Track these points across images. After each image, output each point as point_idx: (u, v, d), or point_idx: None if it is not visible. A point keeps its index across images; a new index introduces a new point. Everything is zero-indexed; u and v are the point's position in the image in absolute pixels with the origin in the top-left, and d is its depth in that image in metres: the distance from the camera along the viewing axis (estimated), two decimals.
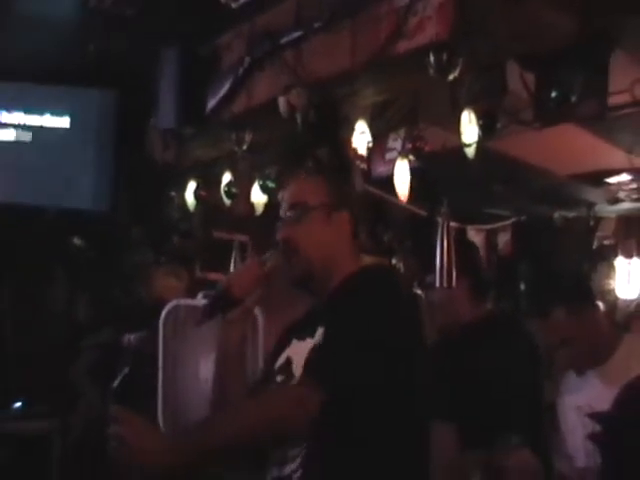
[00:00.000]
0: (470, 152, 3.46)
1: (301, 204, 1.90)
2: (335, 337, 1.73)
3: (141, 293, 4.83)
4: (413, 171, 4.03)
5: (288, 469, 1.74)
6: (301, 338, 1.88)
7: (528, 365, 2.78)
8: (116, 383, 1.49)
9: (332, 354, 1.70)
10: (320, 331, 1.80)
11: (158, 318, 3.83)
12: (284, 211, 1.93)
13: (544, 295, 2.69)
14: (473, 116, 3.35)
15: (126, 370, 1.58)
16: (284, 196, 1.95)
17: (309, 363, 1.74)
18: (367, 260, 2.02)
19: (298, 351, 1.85)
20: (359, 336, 1.71)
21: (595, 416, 2.18)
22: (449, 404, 2.70)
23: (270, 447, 1.76)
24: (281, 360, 1.91)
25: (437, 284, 3.13)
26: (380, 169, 4.23)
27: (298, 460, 1.73)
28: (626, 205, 5.61)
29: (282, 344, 1.96)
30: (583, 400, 2.55)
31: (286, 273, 1.91)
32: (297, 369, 1.81)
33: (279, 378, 1.87)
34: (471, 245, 3.58)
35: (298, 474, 1.72)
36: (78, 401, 4.84)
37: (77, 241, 5.79)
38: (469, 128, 3.37)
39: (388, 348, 1.73)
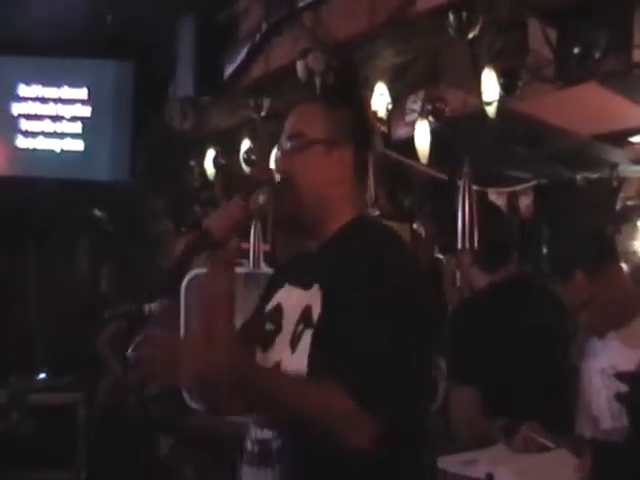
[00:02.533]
0: (491, 111, 3.41)
1: (300, 135, 1.74)
2: (366, 338, 1.53)
3: (162, 263, 4.85)
4: (433, 133, 4.00)
5: (267, 434, 1.65)
6: (293, 283, 1.76)
7: (547, 326, 2.76)
8: (131, 349, 1.46)
9: (380, 363, 1.51)
10: (315, 289, 1.66)
11: (179, 287, 3.85)
12: (284, 141, 1.77)
13: (565, 257, 2.65)
14: (494, 75, 3.30)
15: (139, 338, 1.53)
16: (285, 125, 1.79)
17: (334, 365, 1.52)
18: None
19: (289, 299, 1.74)
20: (392, 325, 1.53)
21: (622, 376, 2.17)
22: (471, 368, 2.70)
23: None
24: (272, 304, 1.79)
25: (459, 248, 3.09)
26: (400, 131, 4.18)
27: (277, 428, 1.63)
28: None
29: (275, 283, 1.84)
30: (606, 362, 2.53)
31: (278, 211, 1.76)
32: (287, 321, 1.69)
33: (268, 326, 1.75)
34: (493, 208, 3.54)
35: (278, 444, 1.63)
36: (102, 372, 4.88)
37: (98, 212, 5.81)
38: (490, 87, 3.32)
39: (410, 323, 1.58)
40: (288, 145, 1.76)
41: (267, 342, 1.74)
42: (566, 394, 2.67)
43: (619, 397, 2.16)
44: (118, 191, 5.50)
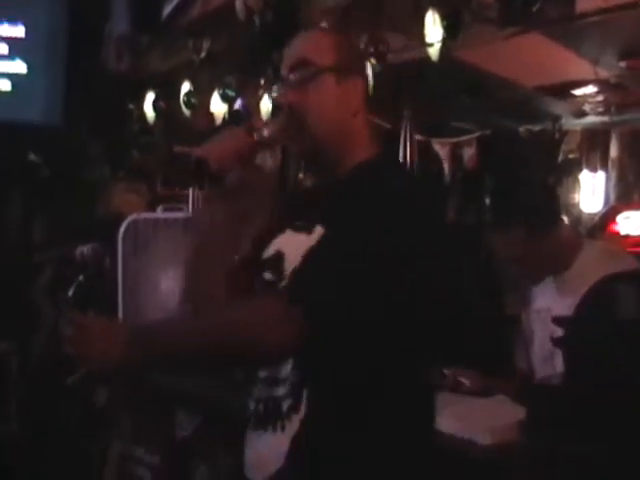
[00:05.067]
0: (434, 53, 3.35)
1: (308, 64, 1.57)
2: (331, 251, 1.45)
3: (99, 209, 4.74)
4: (376, 80, 3.93)
5: (280, 391, 1.55)
6: (296, 229, 1.61)
7: (481, 276, 2.77)
8: (70, 292, 1.38)
9: (324, 273, 1.43)
10: (319, 231, 1.53)
11: (114, 233, 3.76)
12: (286, 71, 1.61)
13: (505, 209, 2.63)
14: (437, 17, 3.24)
15: (80, 278, 1.45)
16: (286, 53, 1.63)
17: (296, 275, 1.49)
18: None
19: (291, 245, 1.59)
20: (361, 250, 1.42)
21: (558, 320, 2.17)
22: None
23: (238, 366, 1.61)
24: (271, 251, 1.64)
25: None
26: None
27: (288, 385, 1.54)
28: (591, 119, 5.58)
29: (274, 229, 1.67)
30: (541, 304, 2.54)
31: (292, 145, 1.60)
32: (289, 268, 1.56)
33: (267, 275, 1.61)
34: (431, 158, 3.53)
35: (289, 402, 1.53)
36: (37, 321, 4.77)
37: (32, 157, 5.62)
38: (433, 30, 3.27)
39: (404, 266, 1.45)
40: (294, 75, 1.59)
41: (268, 288, 1.61)
42: (505, 340, 2.68)
43: (556, 341, 2.16)
44: (52, 134, 5.32)
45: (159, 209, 3.97)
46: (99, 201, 5.00)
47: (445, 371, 2.52)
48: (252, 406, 1.62)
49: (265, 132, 1.62)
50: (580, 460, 1.76)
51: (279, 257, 1.61)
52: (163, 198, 4.60)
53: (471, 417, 2.11)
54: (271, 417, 1.56)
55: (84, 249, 3.43)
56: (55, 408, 4.19)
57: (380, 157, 1.64)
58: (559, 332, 2.13)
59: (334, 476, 1.52)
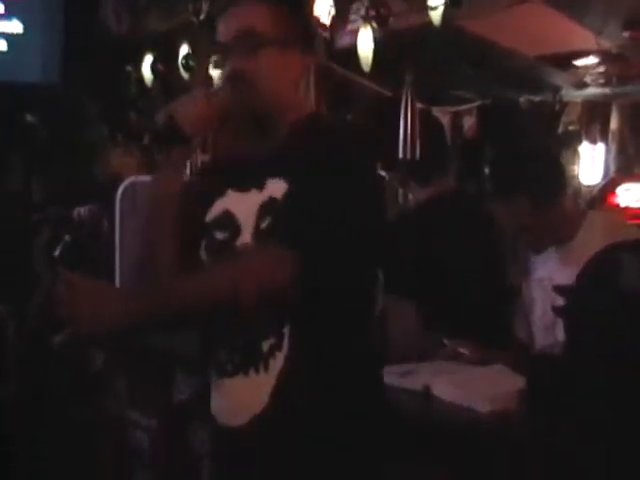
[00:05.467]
0: (436, 18, 3.31)
1: (253, 33, 1.62)
2: (310, 197, 1.53)
3: (97, 171, 4.70)
4: (378, 46, 3.90)
5: (257, 334, 1.58)
6: (241, 189, 1.67)
7: (482, 245, 2.76)
8: (57, 252, 1.36)
9: (311, 216, 1.50)
10: (275, 183, 1.61)
11: (113, 194, 3.74)
12: (230, 38, 1.64)
13: (508, 178, 2.61)
14: None
15: (67, 238, 1.44)
16: (227, 21, 1.67)
17: (281, 223, 1.55)
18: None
19: (239, 203, 1.66)
20: (334, 196, 1.53)
21: (560, 289, 2.16)
22: (407, 283, 2.68)
23: (237, 315, 1.56)
24: (215, 213, 1.70)
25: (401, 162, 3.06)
26: (343, 39, 4.07)
27: (267, 325, 1.58)
28: (592, 90, 5.56)
29: (207, 195, 1.73)
30: (543, 274, 2.54)
31: (236, 109, 1.64)
32: (246, 223, 1.62)
33: (220, 234, 1.66)
34: (431, 121, 3.49)
35: (270, 342, 1.57)
36: (34, 283, 4.75)
37: (29, 118, 5.56)
38: None
39: (359, 211, 1.58)
40: (237, 42, 1.63)
41: (222, 251, 1.65)
42: (504, 310, 2.68)
43: (557, 311, 2.15)
44: (50, 94, 5.26)
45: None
46: (97, 162, 4.96)
47: (445, 341, 2.52)
48: (226, 355, 1.64)
49: (221, 95, 1.66)
50: (580, 430, 1.76)
51: (228, 216, 1.67)
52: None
53: (470, 385, 2.11)
54: (252, 360, 1.59)
55: (81, 210, 3.41)
56: (53, 371, 4.19)
57: (316, 116, 1.79)
58: (560, 301, 2.12)
59: (321, 409, 1.58)
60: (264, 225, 1.59)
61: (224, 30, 1.66)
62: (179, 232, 1.69)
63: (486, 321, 2.57)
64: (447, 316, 2.57)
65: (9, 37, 5.26)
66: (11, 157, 5.69)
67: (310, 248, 1.48)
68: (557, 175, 2.58)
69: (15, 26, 5.28)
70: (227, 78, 1.65)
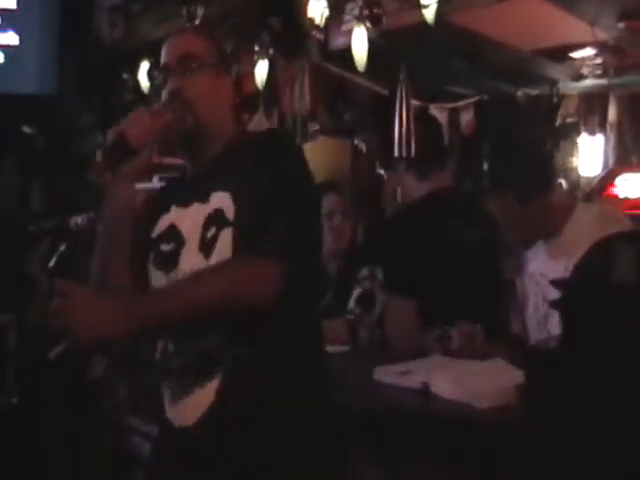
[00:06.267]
0: (429, 15, 3.31)
1: (193, 57, 1.80)
2: (274, 204, 1.65)
3: (93, 179, 4.70)
4: (372, 45, 3.90)
5: (207, 342, 1.64)
6: (184, 204, 1.77)
7: (480, 241, 2.76)
8: (52, 262, 1.39)
9: (284, 225, 1.64)
10: (219, 195, 1.70)
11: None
12: (173, 61, 1.81)
13: (501, 174, 2.61)
14: None
15: (62, 248, 1.47)
16: (170, 46, 1.85)
17: (251, 235, 1.62)
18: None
19: (183, 217, 1.76)
20: (296, 200, 1.69)
21: (555, 282, 2.15)
22: (407, 278, 2.68)
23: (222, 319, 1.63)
24: (160, 228, 1.80)
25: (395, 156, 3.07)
26: (338, 40, 4.07)
27: (212, 336, 1.63)
28: (589, 82, 5.53)
29: (152, 212, 1.84)
30: (535, 268, 2.54)
31: (174, 128, 1.75)
32: (191, 234, 1.72)
33: (165, 246, 1.76)
34: (427, 118, 3.49)
35: (216, 352, 1.63)
36: (33, 292, 4.75)
37: (26, 129, 5.57)
38: None
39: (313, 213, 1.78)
40: (177, 65, 1.79)
41: (168, 263, 1.73)
42: (501, 304, 2.68)
43: (552, 304, 2.15)
44: (46, 105, 5.28)
45: (155, 179, 3.94)
46: (94, 171, 4.96)
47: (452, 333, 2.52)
48: (176, 362, 1.69)
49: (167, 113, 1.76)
50: (579, 424, 1.75)
51: (173, 229, 1.76)
52: (159, 167, 4.56)
53: (468, 381, 2.10)
54: (199, 368, 1.64)
55: (78, 219, 3.40)
56: (53, 380, 4.20)
57: (245, 133, 2.01)
58: (554, 294, 2.12)
59: (268, 406, 1.64)
60: (210, 235, 1.67)
61: (167, 54, 1.84)
62: (130, 247, 1.77)
63: (483, 315, 2.57)
64: (445, 311, 2.57)
65: (5, 49, 5.27)
66: (8, 166, 5.71)
67: (292, 256, 1.61)
68: (542, 170, 2.57)
69: (11, 38, 5.29)
70: (168, 96, 1.78)
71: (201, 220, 1.70)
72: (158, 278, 1.73)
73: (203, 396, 1.63)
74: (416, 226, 2.75)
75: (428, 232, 2.72)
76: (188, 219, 1.74)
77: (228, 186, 1.70)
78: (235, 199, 1.67)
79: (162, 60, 1.85)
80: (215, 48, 1.87)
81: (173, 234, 1.75)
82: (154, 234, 1.80)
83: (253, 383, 1.63)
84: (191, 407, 1.65)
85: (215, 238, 1.66)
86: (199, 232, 1.69)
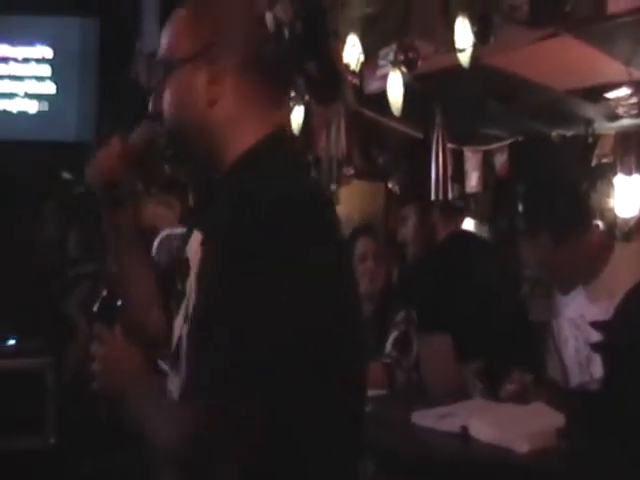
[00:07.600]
0: (464, 60, 3.32)
1: (167, 55, 1.41)
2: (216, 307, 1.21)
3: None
4: (407, 89, 3.92)
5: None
6: (191, 229, 1.44)
7: (498, 284, 2.78)
8: (95, 307, 1.37)
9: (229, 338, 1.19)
10: (195, 236, 1.36)
11: (150, 248, 3.78)
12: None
13: (535, 216, 2.59)
14: (467, 22, 3.22)
15: (104, 293, 1.45)
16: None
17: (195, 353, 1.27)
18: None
19: (192, 247, 1.38)
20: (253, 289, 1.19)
21: (596, 325, 2.13)
22: (439, 315, 2.70)
23: None
24: (184, 256, 1.42)
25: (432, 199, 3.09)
26: (373, 85, 4.10)
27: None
28: (625, 121, 5.50)
29: (190, 229, 1.48)
30: (575, 313, 2.50)
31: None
32: (190, 283, 1.33)
33: (180, 285, 1.40)
34: None
35: None
36: (72, 336, 4.80)
37: (66, 175, 5.65)
38: (463, 35, 3.24)
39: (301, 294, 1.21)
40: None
41: (177, 305, 1.42)
42: (534, 346, 2.65)
43: (594, 346, 2.12)
44: (85, 152, 5.36)
45: None
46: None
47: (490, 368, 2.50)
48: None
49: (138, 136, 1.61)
50: (621, 466, 1.72)
51: (187, 264, 1.38)
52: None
53: (507, 425, 2.08)
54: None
55: None
56: (90, 422, 4.20)
57: (253, 150, 1.36)
58: (595, 337, 2.09)
59: None
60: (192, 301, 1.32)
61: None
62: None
63: (517, 357, 2.55)
64: (483, 346, 2.57)
65: (44, 98, 5.39)
66: (48, 212, 5.80)
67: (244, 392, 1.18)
68: (578, 210, 2.54)
69: (49, 87, 5.41)
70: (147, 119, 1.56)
71: (198, 248, 1.34)
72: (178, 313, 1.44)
73: None
74: (442, 267, 2.77)
75: (453, 272, 2.74)
76: (193, 253, 1.36)
77: (204, 225, 1.36)
78: (203, 245, 1.32)
79: None
80: (194, 35, 1.36)
81: (185, 272, 1.38)
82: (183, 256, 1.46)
83: None
84: None
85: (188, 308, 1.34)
86: (191, 290, 1.33)
